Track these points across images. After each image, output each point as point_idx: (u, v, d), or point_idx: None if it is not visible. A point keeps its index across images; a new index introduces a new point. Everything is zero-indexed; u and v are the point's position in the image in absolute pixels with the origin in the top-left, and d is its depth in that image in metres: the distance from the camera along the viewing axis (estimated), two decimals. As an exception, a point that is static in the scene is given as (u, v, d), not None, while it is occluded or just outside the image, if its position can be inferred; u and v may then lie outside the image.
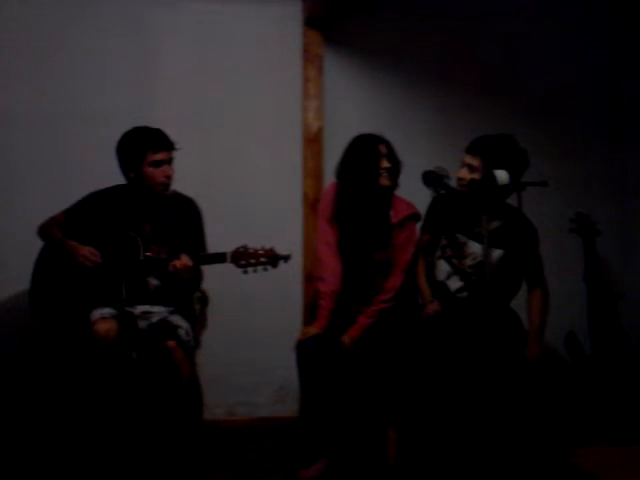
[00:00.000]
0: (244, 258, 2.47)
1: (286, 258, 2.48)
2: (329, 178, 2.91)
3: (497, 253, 2.60)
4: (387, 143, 2.79)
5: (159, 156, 2.62)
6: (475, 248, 2.66)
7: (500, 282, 2.59)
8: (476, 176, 2.54)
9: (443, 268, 2.74)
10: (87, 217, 2.73)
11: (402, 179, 2.86)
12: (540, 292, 2.68)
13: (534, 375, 2.55)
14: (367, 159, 2.73)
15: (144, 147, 2.62)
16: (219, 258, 2.50)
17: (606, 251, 3.37)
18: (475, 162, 2.56)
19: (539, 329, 2.63)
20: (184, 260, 2.48)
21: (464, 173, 2.60)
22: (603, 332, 3.11)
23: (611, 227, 3.43)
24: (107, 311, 2.52)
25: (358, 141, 2.79)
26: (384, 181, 2.74)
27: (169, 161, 2.67)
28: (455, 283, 2.71)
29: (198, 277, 2.72)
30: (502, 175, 2.19)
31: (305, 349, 2.59)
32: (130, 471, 2.52)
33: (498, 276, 2.57)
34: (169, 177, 2.67)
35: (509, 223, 2.66)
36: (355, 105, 3.53)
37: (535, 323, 2.63)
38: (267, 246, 2.49)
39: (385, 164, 2.73)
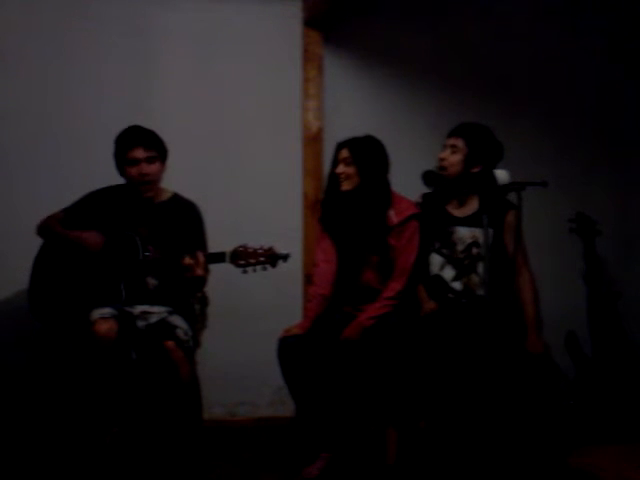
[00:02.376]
0: (243, 257, 2.45)
1: (285, 257, 2.47)
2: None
3: (488, 232, 2.63)
4: (350, 146, 2.71)
5: (134, 154, 2.59)
6: (462, 232, 2.72)
7: (497, 262, 2.62)
8: (459, 157, 2.67)
9: (435, 261, 2.76)
10: (86, 216, 2.73)
11: (402, 179, 2.86)
12: (528, 276, 2.69)
13: (538, 367, 2.54)
14: (331, 165, 2.78)
15: (122, 146, 2.62)
16: (218, 257, 2.49)
17: (606, 251, 3.37)
18: (459, 143, 2.68)
19: (536, 318, 2.64)
20: (199, 257, 2.47)
21: (446, 154, 2.71)
22: (603, 332, 3.11)
23: (611, 227, 3.44)
24: (107, 311, 2.50)
25: None
26: (340, 186, 2.71)
27: (148, 159, 2.61)
28: (449, 272, 2.73)
29: (205, 277, 2.69)
30: (502, 175, 2.20)
31: (284, 347, 2.61)
32: (130, 471, 2.52)
33: (494, 256, 2.59)
34: (143, 175, 2.60)
35: (491, 201, 2.69)
36: (355, 105, 3.53)
37: (531, 313, 2.64)
38: (266, 245, 2.48)
39: (339, 169, 2.71)
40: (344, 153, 2.72)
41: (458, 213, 2.77)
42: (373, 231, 2.69)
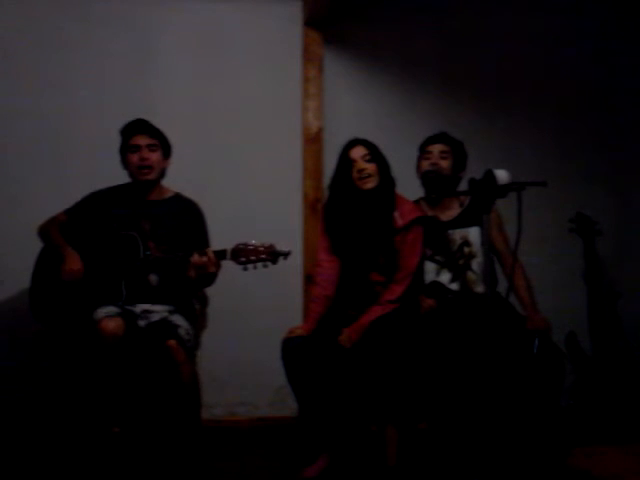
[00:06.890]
0: (244, 254, 2.46)
1: (286, 254, 2.48)
2: (329, 178, 2.90)
3: (476, 230, 2.75)
4: (366, 145, 2.69)
5: (135, 140, 2.67)
6: (452, 235, 2.78)
7: (490, 259, 2.63)
8: (450, 162, 2.80)
9: (429, 269, 2.79)
10: (88, 216, 2.74)
11: (402, 179, 2.86)
12: (518, 268, 2.70)
13: (541, 347, 2.54)
14: (339, 166, 2.71)
15: (126, 134, 2.70)
16: (219, 255, 2.50)
17: (606, 251, 3.36)
18: (446, 148, 2.82)
19: (533, 302, 2.71)
20: (210, 253, 2.48)
21: (435, 159, 2.80)
22: (603, 332, 3.11)
23: (611, 227, 3.43)
24: (112, 309, 2.51)
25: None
26: (363, 184, 2.65)
27: (149, 146, 2.68)
28: (445, 276, 2.77)
29: (216, 273, 2.66)
30: (502, 175, 2.19)
31: (288, 348, 2.60)
32: (130, 471, 2.52)
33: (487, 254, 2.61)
34: (143, 159, 2.66)
35: (470, 202, 2.83)
36: (355, 105, 3.53)
37: (526, 298, 2.71)
38: (267, 243, 2.49)
39: (359, 166, 2.65)
40: (361, 150, 2.67)
41: (444, 217, 2.83)
42: (383, 232, 2.66)
